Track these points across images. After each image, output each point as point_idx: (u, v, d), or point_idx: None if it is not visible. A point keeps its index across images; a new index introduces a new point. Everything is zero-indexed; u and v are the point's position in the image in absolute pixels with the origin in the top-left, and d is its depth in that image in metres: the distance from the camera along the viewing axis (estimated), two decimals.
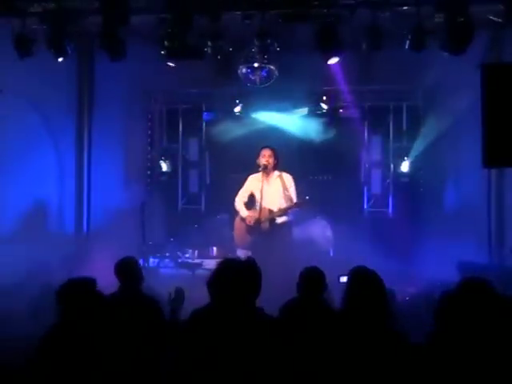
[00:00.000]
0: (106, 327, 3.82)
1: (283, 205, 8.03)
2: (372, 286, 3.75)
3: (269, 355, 3.41)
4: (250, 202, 8.32)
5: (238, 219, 8.30)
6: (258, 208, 8.04)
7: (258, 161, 8.19)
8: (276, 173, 8.21)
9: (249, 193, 8.30)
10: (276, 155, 8.22)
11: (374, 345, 3.57)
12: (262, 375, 3.38)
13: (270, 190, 8.09)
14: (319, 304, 4.83)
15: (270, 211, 8.01)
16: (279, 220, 8.07)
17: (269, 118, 10.64)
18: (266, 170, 8.14)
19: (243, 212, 8.19)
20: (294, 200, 8.04)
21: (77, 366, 3.61)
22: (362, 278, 3.81)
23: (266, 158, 8.17)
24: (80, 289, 3.83)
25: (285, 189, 8.08)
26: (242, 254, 8.02)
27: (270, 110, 10.60)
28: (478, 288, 3.51)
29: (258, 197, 8.09)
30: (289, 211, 8.06)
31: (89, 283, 3.91)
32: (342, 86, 10.12)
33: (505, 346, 3.38)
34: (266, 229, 7.96)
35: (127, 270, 5.26)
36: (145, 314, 4.87)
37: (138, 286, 5.28)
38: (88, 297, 3.81)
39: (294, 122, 10.64)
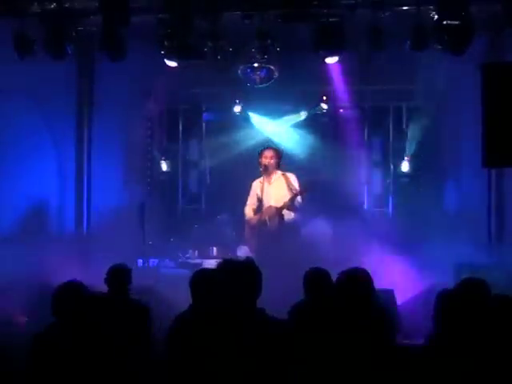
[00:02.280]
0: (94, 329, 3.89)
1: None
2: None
3: (271, 356, 3.39)
4: (259, 206, 8.36)
5: (247, 227, 8.35)
6: (262, 208, 8.08)
7: (259, 161, 8.19)
8: (279, 172, 8.20)
9: (255, 198, 8.32)
10: (278, 155, 8.22)
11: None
12: (262, 376, 3.35)
13: (273, 190, 8.09)
14: (327, 304, 4.80)
15: (275, 207, 8.00)
16: (287, 217, 8.05)
17: (268, 122, 10.63)
18: (267, 171, 8.14)
19: (252, 217, 8.22)
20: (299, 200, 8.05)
21: (67, 366, 3.65)
22: None
23: (267, 158, 8.18)
24: (72, 293, 3.90)
25: (289, 187, 8.07)
26: (241, 253, 8.02)
27: (270, 110, 10.58)
28: (476, 288, 3.51)
29: (260, 197, 8.13)
30: (294, 201, 8.04)
31: (78, 287, 3.97)
32: (342, 86, 10.10)
33: (503, 345, 3.38)
34: (274, 227, 7.94)
35: (114, 277, 5.34)
36: (131, 319, 4.96)
37: (126, 292, 5.34)
38: (79, 300, 3.88)
39: (293, 122, 10.62)
